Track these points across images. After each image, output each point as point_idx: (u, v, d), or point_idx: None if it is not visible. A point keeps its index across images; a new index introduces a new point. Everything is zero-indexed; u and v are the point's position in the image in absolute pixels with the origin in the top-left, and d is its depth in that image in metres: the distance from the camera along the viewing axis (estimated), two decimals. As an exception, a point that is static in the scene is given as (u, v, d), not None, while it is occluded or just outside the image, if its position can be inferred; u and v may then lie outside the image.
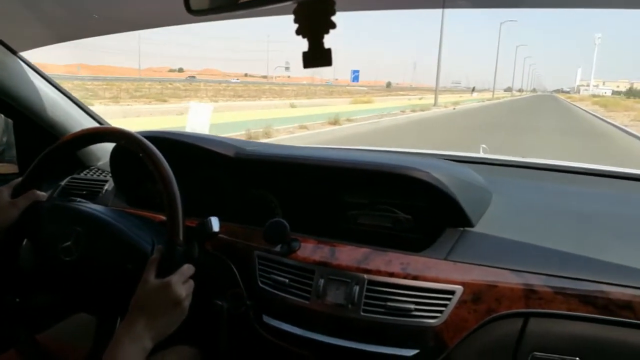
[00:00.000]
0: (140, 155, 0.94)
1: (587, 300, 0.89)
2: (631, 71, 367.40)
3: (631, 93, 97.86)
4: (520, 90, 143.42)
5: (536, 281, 0.92)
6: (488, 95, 61.85)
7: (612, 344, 0.88)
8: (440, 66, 35.03)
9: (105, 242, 0.97)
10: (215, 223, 0.99)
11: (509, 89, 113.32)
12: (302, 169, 1.20)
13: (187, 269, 0.91)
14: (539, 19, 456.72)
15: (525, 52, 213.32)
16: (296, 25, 0.56)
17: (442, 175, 1.02)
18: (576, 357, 0.89)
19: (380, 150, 1.79)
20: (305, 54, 0.57)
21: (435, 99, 30.46)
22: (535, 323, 0.91)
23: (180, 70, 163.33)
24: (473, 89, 47.25)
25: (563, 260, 0.95)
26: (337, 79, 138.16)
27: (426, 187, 1.02)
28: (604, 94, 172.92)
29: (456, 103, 31.64)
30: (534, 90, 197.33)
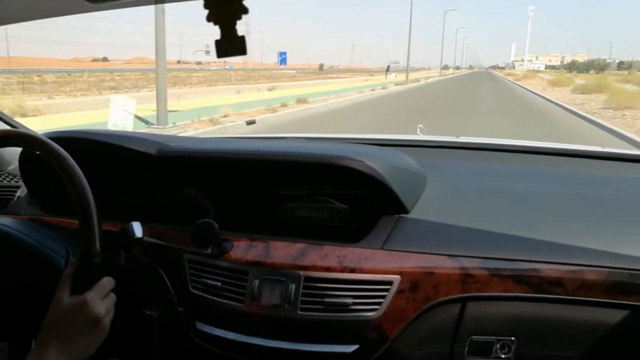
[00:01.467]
0: (45, 157, 0.87)
1: (521, 280, 0.91)
2: (562, 45, 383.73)
3: (574, 67, 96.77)
4: (457, 68, 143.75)
5: (472, 265, 0.92)
6: (418, 75, 59.03)
7: (545, 321, 0.92)
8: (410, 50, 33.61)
9: (13, 259, 0.94)
10: (137, 228, 0.94)
11: (446, 67, 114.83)
12: (232, 164, 1.15)
13: (107, 282, 0.83)
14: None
15: (463, 31, 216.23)
16: (207, 12, 0.52)
17: (376, 163, 1.00)
18: (512, 337, 0.92)
19: (315, 137, 1.74)
20: (218, 43, 0.54)
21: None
22: (473, 307, 0.93)
23: (105, 59, 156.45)
24: (388, 69, 40.24)
25: (498, 241, 0.96)
26: (262, 63, 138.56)
27: (360, 176, 0.99)
28: (537, 68, 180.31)
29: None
30: (470, 67, 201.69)
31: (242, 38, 0.54)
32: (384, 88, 24.62)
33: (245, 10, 0.52)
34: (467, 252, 0.94)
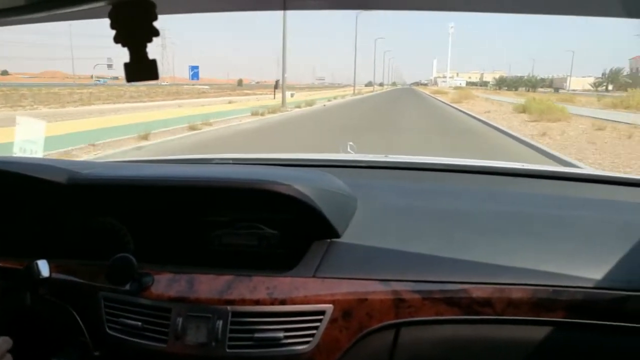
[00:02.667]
0: None
1: (453, 302, 0.91)
2: (481, 62, 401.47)
3: (503, 83, 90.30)
4: (381, 85, 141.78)
5: (404, 289, 0.92)
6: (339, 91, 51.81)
7: (478, 343, 0.92)
8: (285, 63, 21.76)
9: None
10: (43, 266, 0.91)
11: (369, 84, 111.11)
12: (151, 191, 1.09)
13: (1, 343, 0.77)
14: (395, 12, 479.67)
15: (385, 46, 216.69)
16: (114, 32, 0.50)
17: (304, 187, 0.98)
18: None
19: (242, 158, 1.71)
20: (127, 66, 0.51)
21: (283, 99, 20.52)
22: (407, 332, 0.93)
23: (5, 73, 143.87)
24: (276, 85, 27.29)
25: (429, 263, 0.96)
26: (174, 76, 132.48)
27: (289, 201, 0.98)
28: (459, 84, 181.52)
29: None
30: (394, 83, 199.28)
31: (153, 62, 0.51)
32: (255, 114, 15.58)
33: (156, 33, 0.49)
34: (399, 276, 0.93)
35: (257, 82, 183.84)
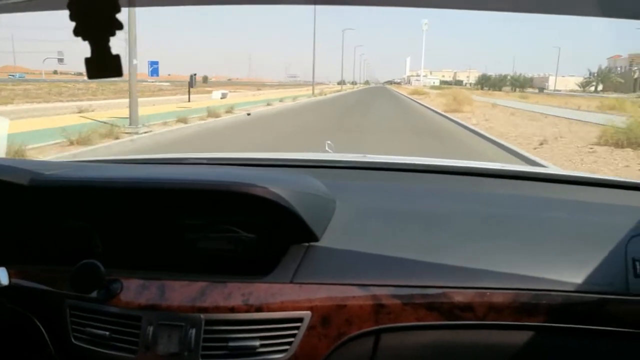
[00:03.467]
0: None
1: (434, 307, 0.91)
2: (454, 61, 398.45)
3: (487, 82, 79.89)
4: (353, 83, 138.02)
5: (384, 294, 0.91)
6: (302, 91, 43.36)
7: (460, 348, 0.92)
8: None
9: None
10: (1, 274, 0.89)
11: (342, 82, 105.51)
12: (121, 193, 1.04)
13: None
14: (368, 9, 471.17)
15: (357, 42, 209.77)
16: (74, 24, 0.46)
17: (280, 189, 0.95)
18: None
19: (217, 158, 1.63)
20: (88, 62, 0.48)
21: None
22: (387, 339, 0.92)
23: None
24: (191, 81, 16.82)
25: (409, 267, 0.95)
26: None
27: (265, 203, 0.94)
28: (433, 83, 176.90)
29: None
30: (367, 82, 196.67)
31: (117, 58, 0.48)
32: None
33: (119, 26, 0.47)
34: (379, 281, 0.92)
35: (229, 79, 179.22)
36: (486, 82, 75.27)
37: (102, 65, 0.47)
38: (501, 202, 1.24)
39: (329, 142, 1.95)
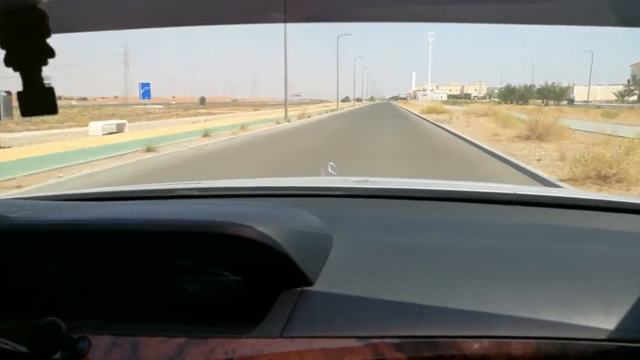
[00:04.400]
0: None
1: None
2: (460, 73, 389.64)
3: (512, 95, 66.36)
4: (358, 100, 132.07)
5: (387, 347, 0.81)
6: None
7: None
8: None
9: None
10: None
11: (347, 99, 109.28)
12: (93, 237, 0.97)
13: None
14: (374, 24, 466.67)
15: (363, 62, 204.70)
16: (4, 53, 0.42)
17: (269, 228, 0.87)
18: None
19: (206, 189, 1.56)
20: (21, 96, 0.43)
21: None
22: None
23: None
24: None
25: (415, 314, 0.85)
26: (126, 97, 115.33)
27: (252, 244, 0.87)
28: (440, 98, 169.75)
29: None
30: (372, 98, 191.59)
31: (49, 92, 0.42)
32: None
33: (51, 53, 0.41)
34: (380, 331, 0.82)
35: (234, 100, 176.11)
36: (511, 95, 64.80)
37: (35, 100, 0.41)
38: (518, 232, 1.13)
39: (331, 163, 1.90)
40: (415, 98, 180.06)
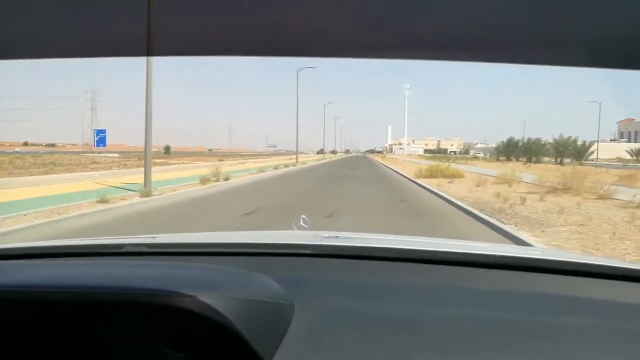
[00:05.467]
0: None
1: None
2: (436, 129, 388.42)
3: (511, 149, 52.33)
4: (334, 152, 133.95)
5: None
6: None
7: None
8: None
9: None
10: None
11: (321, 151, 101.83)
12: (16, 305, 0.83)
13: None
14: (349, 78, 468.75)
15: (337, 113, 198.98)
16: None
17: (215, 298, 0.75)
18: None
19: (157, 245, 1.43)
20: None
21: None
22: None
23: None
24: None
25: None
26: (84, 144, 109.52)
27: (195, 317, 0.75)
28: (417, 152, 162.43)
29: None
30: (347, 151, 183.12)
31: None
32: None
33: None
34: None
35: (210, 150, 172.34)
36: (514, 150, 53.74)
37: None
38: (503, 302, 1.03)
39: (304, 216, 1.78)
40: (392, 152, 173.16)
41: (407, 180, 19.36)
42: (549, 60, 0.60)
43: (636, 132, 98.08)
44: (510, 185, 15.02)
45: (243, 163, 38.54)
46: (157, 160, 41.73)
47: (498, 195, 11.64)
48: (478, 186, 15.06)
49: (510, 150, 53.23)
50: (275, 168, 28.65)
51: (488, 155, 73.24)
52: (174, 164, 38.22)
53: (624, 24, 0.55)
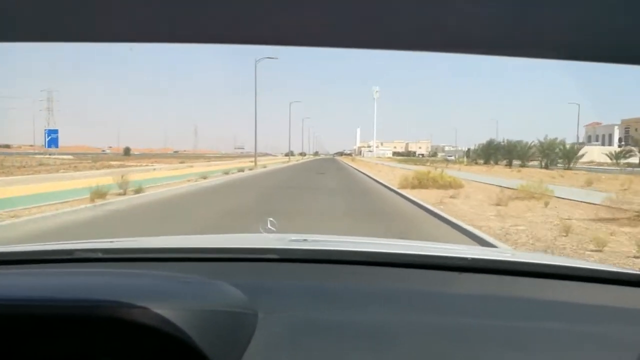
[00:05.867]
0: None
1: None
2: (404, 132, 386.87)
3: (496, 150, 46.81)
4: (302, 154, 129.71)
5: None
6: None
7: None
8: None
9: None
10: None
11: (291, 153, 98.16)
12: None
13: None
14: (318, 80, 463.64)
15: (305, 113, 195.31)
16: None
17: (169, 309, 0.71)
18: None
19: (111, 250, 1.34)
20: None
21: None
22: None
23: None
24: None
25: None
26: (34, 145, 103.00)
27: (147, 331, 0.71)
28: (384, 154, 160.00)
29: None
30: (316, 153, 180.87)
31: None
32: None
33: None
34: None
35: (176, 152, 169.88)
36: (495, 153, 49.35)
37: None
38: (480, 306, 0.99)
39: (271, 219, 1.72)
40: (360, 154, 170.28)
41: (391, 194, 14.26)
42: (521, 51, 0.59)
43: (603, 135, 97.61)
44: (546, 205, 10.33)
45: (191, 166, 33.31)
46: (112, 163, 38.41)
47: (567, 230, 6.84)
48: (498, 204, 10.33)
49: (490, 153, 49.23)
50: (226, 173, 23.33)
51: (458, 157, 69.55)
52: (132, 165, 34.72)
53: (602, 17, 0.54)
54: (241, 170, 27.02)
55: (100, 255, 1.24)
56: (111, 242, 1.41)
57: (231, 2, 0.53)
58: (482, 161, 51.16)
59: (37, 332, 0.72)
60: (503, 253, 1.49)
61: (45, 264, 1.23)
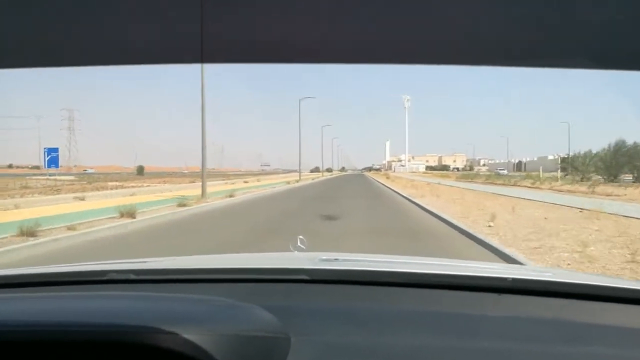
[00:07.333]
0: None
1: None
2: (435, 145, 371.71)
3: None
4: (329, 170, 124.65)
5: None
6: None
7: None
8: None
9: None
10: None
11: (316, 169, 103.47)
12: None
13: None
14: (344, 93, 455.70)
15: (332, 130, 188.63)
16: None
17: (199, 334, 0.70)
18: None
19: (142, 271, 1.34)
20: None
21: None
22: None
23: None
24: None
25: None
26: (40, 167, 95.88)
27: (177, 357, 0.71)
28: (417, 169, 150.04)
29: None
30: (343, 169, 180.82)
31: None
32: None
33: None
34: None
35: (187, 168, 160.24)
36: (631, 161, 36.07)
37: None
38: (521, 329, 0.96)
39: (301, 237, 1.68)
40: (391, 169, 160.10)
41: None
42: (550, 62, 0.59)
43: None
44: None
45: (258, 180, 34.27)
46: (113, 183, 37.20)
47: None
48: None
49: (622, 163, 33.75)
50: (287, 183, 16.54)
51: (514, 172, 56.89)
52: (130, 187, 32.58)
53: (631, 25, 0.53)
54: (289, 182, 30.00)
55: (132, 276, 1.24)
56: (144, 262, 1.42)
57: (263, 22, 0.52)
58: (596, 176, 36.34)
59: (64, 357, 0.72)
60: (543, 272, 1.33)
61: (79, 285, 1.25)
